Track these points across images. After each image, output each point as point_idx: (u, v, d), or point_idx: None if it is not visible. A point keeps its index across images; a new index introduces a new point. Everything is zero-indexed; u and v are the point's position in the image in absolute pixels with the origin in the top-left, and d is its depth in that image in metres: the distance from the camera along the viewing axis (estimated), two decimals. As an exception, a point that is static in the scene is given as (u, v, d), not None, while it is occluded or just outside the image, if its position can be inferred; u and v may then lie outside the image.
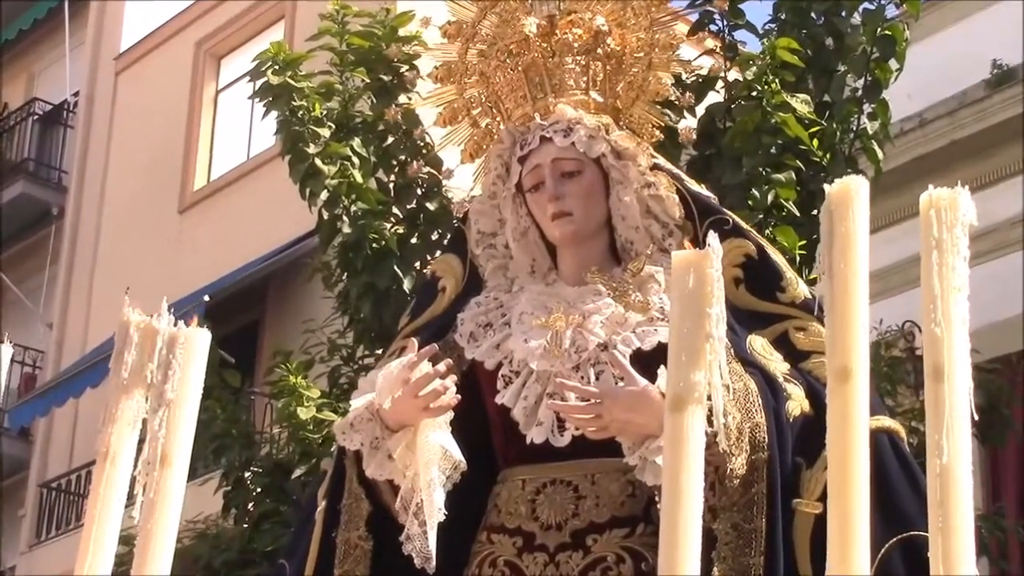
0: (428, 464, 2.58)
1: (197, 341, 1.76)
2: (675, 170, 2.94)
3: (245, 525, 6.85)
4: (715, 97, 5.82)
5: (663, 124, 3.00)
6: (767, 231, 5.35)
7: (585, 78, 2.91)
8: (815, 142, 5.60)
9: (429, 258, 5.72)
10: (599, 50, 2.93)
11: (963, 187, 1.51)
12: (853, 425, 1.46)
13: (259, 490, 6.79)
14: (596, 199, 2.84)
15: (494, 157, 2.92)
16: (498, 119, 2.99)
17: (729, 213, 2.90)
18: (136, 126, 16.00)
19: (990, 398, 7.74)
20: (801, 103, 5.51)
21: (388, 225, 6.13)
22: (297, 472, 6.34)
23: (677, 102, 3.59)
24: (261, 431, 7.92)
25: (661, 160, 2.93)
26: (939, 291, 1.46)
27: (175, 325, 1.77)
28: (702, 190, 2.94)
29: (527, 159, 2.86)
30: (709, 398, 1.48)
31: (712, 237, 1.53)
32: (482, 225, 2.95)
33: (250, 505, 6.83)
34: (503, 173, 2.90)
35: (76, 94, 17.36)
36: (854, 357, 1.47)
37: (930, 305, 1.46)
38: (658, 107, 2.98)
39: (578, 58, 2.91)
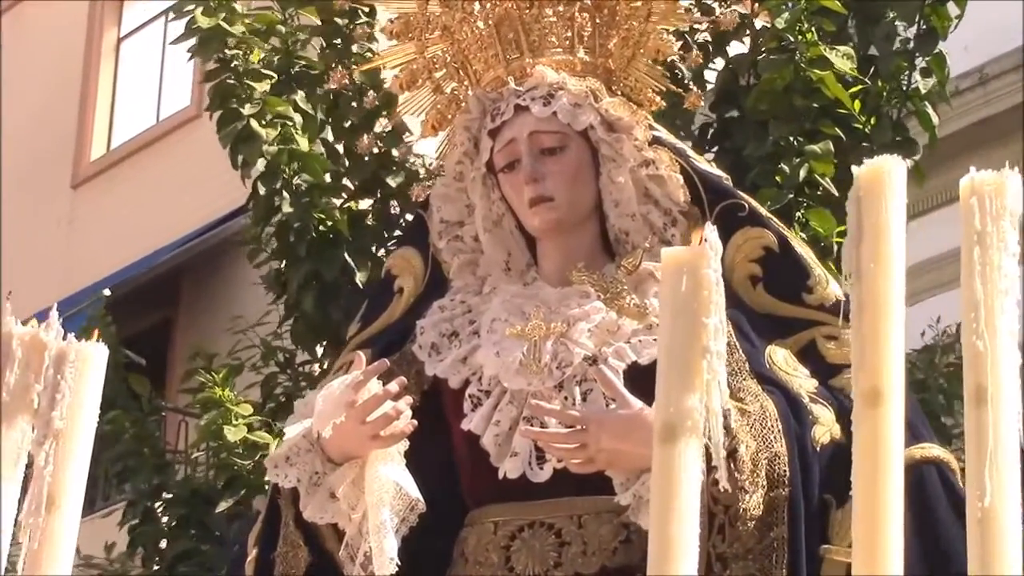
0: (378, 504, 2.60)
1: (92, 358, 1.77)
2: (679, 144, 2.96)
3: (156, 567, 6.84)
4: (739, 48, 5.81)
5: (666, 88, 3.02)
6: (799, 213, 5.35)
7: (569, 33, 2.93)
8: (857, 104, 5.58)
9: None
10: (587, -1, 2.94)
11: (1012, 168, 1.53)
12: (884, 458, 1.46)
13: (174, 524, 6.79)
14: (583, 180, 2.86)
15: (460, 130, 2.94)
16: (465, 83, 3.01)
17: (745, 197, 2.93)
18: (20, 81, 15.94)
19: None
20: (842, 58, 5.48)
21: (338, 202, 6.13)
22: (223, 505, 6.33)
23: (683, 62, 3.62)
24: (175, 451, 7.91)
25: (663, 132, 2.96)
26: (982, 296, 1.47)
27: (64, 338, 1.78)
28: (712, 168, 2.96)
29: (499, 132, 2.88)
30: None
31: (710, 231, 1.51)
32: (446, 213, 2.97)
33: (162, 542, 6.82)
34: (471, 149, 2.93)
35: (-54, 41, 17.32)
36: (886, 377, 1.47)
37: (971, 313, 1.46)
38: (660, 68, 3.00)
39: (560, 8, 2.93)
